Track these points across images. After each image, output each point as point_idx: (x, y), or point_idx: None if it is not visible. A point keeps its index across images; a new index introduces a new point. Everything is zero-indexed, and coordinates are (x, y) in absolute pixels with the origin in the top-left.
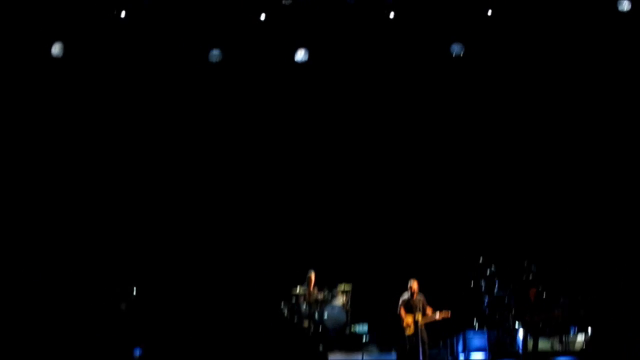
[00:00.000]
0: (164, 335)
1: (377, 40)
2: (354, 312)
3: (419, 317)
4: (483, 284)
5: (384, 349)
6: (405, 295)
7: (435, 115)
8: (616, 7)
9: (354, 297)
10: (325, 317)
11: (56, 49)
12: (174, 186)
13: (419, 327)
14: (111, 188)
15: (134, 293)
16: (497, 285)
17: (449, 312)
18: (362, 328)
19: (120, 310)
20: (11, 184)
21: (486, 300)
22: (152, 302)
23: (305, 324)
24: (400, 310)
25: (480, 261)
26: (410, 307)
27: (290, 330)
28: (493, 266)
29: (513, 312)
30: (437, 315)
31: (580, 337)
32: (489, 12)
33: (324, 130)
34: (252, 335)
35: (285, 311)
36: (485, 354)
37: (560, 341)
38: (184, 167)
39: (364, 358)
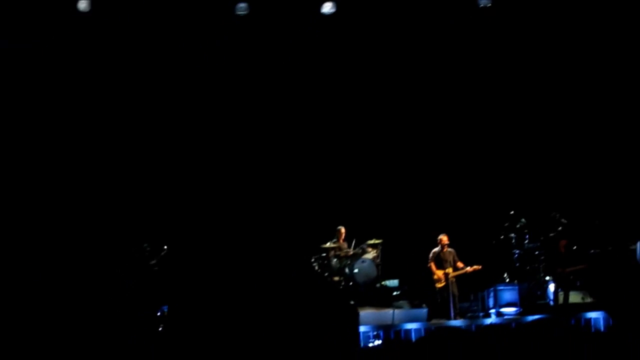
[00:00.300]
0: (194, 293)
1: None
2: (385, 266)
3: (450, 270)
4: (513, 237)
5: (414, 303)
6: (436, 250)
7: (464, 68)
8: None
9: (384, 252)
10: (356, 271)
11: (83, 4)
12: (201, 142)
13: (450, 280)
14: (140, 148)
15: (165, 250)
16: (527, 238)
17: (480, 265)
18: (392, 283)
19: (150, 267)
20: (50, 146)
21: (517, 254)
22: (182, 259)
23: (336, 278)
24: (430, 264)
25: (511, 214)
26: (440, 261)
27: (320, 285)
28: (523, 219)
29: (544, 265)
30: (468, 269)
31: None
32: None
33: (352, 84)
34: (283, 290)
35: (316, 266)
36: (516, 307)
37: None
38: (209, 121)
39: (395, 313)
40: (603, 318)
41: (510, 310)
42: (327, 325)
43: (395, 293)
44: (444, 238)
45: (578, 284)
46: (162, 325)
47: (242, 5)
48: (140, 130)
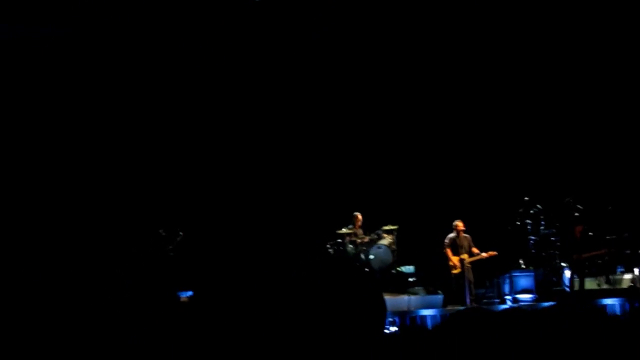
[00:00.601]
0: (212, 279)
1: None
2: (400, 252)
3: (465, 257)
4: (529, 223)
5: (430, 290)
6: (451, 235)
7: (473, 56)
8: None
9: (399, 238)
10: (371, 257)
11: None
12: (217, 130)
13: (465, 267)
14: (156, 136)
15: (181, 236)
16: (542, 224)
17: (495, 252)
18: (408, 269)
19: (167, 252)
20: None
21: (532, 240)
22: (199, 245)
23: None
24: (446, 251)
25: (526, 200)
26: (456, 247)
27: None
28: (538, 205)
29: (559, 251)
30: (484, 255)
31: (627, 276)
32: None
33: (367, 71)
34: (300, 276)
35: (331, 252)
36: (532, 294)
37: (607, 280)
38: (227, 110)
39: (410, 299)
40: (619, 305)
41: (526, 296)
42: (352, 311)
43: (410, 279)
44: (459, 224)
45: (594, 270)
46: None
47: None
48: (156, 119)
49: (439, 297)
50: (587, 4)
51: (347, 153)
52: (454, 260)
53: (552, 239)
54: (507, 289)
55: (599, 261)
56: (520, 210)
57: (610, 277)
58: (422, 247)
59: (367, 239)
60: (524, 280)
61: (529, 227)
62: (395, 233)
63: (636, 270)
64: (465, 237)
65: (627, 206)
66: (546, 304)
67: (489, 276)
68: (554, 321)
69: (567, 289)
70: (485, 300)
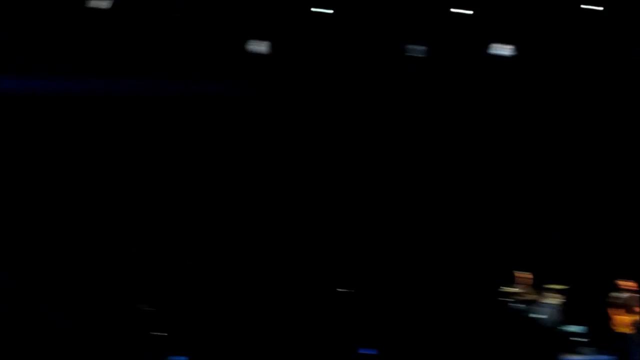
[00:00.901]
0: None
1: None
2: (569, 312)
3: (636, 317)
4: None
5: (600, 350)
6: (621, 295)
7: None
8: None
9: (568, 297)
10: (540, 316)
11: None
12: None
13: (635, 327)
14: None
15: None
16: None
17: None
18: (577, 328)
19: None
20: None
21: None
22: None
23: (519, 323)
24: (615, 310)
25: None
26: (626, 307)
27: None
28: None
29: None
30: None
31: None
32: None
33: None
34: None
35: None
36: None
37: None
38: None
39: None
40: None
41: None
42: None
43: (580, 339)
44: (628, 283)
45: None
46: None
47: (418, 47)
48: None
49: (610, 358)
50: None
51: (514, 210)
52: (624, 320)
53: None
54: None
55: None
56: None
57: None
58: (591, 306)
59: (536, 297)
60: None
61: None
62: (564, 292)
63: None
64: (635, 296)
65: None
66: None
67: None
68: None
69: None
70: None
